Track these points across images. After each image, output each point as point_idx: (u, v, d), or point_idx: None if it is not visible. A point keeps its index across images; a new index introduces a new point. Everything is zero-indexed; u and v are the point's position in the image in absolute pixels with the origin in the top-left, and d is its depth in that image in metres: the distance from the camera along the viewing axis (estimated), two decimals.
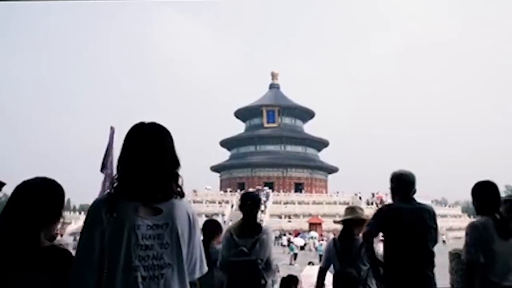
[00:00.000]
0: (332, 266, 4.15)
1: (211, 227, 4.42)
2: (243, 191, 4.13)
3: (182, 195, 1.84)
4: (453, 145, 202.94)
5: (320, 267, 4.45)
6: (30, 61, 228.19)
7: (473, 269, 2.86)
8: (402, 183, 3.41)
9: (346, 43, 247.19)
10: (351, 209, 4.25)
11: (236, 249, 3.55)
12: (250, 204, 3.75)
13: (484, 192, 3.07)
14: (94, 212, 1.72)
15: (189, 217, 1.82)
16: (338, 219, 4.34)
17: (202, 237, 4.64)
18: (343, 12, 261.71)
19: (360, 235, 3.71)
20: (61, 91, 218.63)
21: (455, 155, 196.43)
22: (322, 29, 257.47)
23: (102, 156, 7.55)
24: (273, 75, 76.02)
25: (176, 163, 1.85)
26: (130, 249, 1.66)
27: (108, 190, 1.81)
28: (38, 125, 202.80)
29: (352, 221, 4.01)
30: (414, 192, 3.39)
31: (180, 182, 1.85)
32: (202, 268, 1.88)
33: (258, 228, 3.64)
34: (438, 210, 55.42)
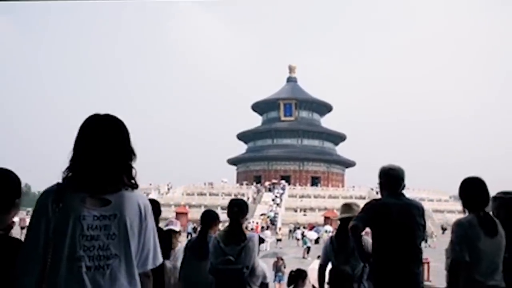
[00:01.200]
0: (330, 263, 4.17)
1: (208, 218, 4.51)
2: (233, 198, 4.29)
3: (134, 186, 1.83)
4: (476, 140, 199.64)
5: (320, 264, 4.46)
6: (46, 58, 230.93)
7: (458, 267, 2.78)
8: (391, 178, 3.35)
9: (364, 36, 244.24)
10: (347, 207, 4.22)
11: (223, 257, 3.71)
12: (236, 211, 3.86)
13: (471, 189, 2.98)
14: (40, 202, 1.73)
15: (140, 208, 1.81)
16: (339, 216, 4.34)
17: (200, 227, 4.74)
18: (360, 4, 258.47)
19: None
20: (78, 88, 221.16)
21: (479, 150, 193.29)
22: (340, 22, 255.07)
23: None
24: (291, 69, 75.64)
25: (128, 155, 1.84)
26: (75, 239, 1.67)
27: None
28: (52, 123, 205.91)
29: (349, 219, 3.98)
30: (403, 187, 3.35)
31: (133, 174, 1.85)
32: (155, 259, 1.88)
33: (243, 236, 3.77)
34: (456, 206, 54.62)
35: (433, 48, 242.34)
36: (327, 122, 74.61)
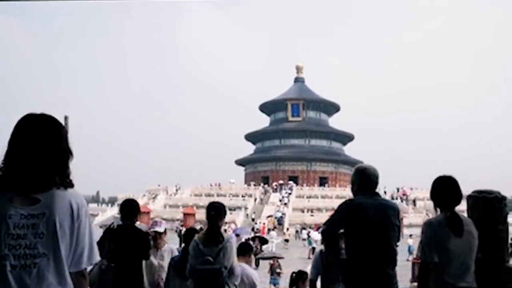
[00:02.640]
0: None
1: (192, 236, 4.52)
2: (211, 202, 4.40)
3: (67, 186, 1.82)
4: (486, 140, 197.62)
5: (310, 279, 4.42)
6: (53, 58, 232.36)
7: (427, 269, 2.71)
8: (367, 177, 3.28)
9: (372, 35, 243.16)
10: None
11: (202, 257, 3.81)
12: (214, 214, 3.96)
13: (442, 188, 2.89)
14: None
15: (72, 207, 1.79)
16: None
17: (183, 246, 4.79)
18: (368, 4, 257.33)
19: None
20: (85, 89, 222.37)
21: (489, 151, 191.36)
22: (347, 22, 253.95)
23: None
24: (298, 69, 75.49)
25: (62, 155, 1.84)
26: (0, 238, 1.67)
27: None
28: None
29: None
30: (376, 186, 3.29)
31: (68, 173, 1.84)
32: (91, 258, 1.87)
33: (221, 237, 3.87)
34: (463, 205, 53.99)
35: (442, 47, 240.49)
36: (335, 122, 74.44)
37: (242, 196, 51.78)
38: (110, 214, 52.52)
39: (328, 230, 3.24)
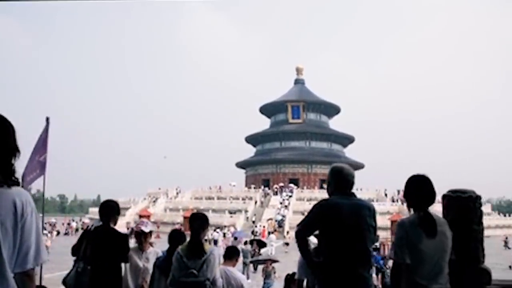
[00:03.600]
0: None
1: (176, 237, 4.62)
2: (193, 212, 4.47)
3: (12, 184, 1.79)
4: (488, 141, 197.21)
5: (297, 279, 4.38)
6: (53, 60, 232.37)
7: (399, 270, 2.65)
8: (343, 177, 3.23)
9: (372, 36, 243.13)
10: None
11: (186, 270, 3.86)
12: (196, 226, 4.03)
13: (415, 188, 2.84)
14: None
15: (15, 206, 1.76)
16: None
17: (168, 247, 4.76)
18: (367, 5, 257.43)
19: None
20: (86, 91, 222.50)
21: (490, 152, 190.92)
22: (347, 24, 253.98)
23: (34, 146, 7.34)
24: (298, 70, 75.49)
25: (6, 153, 1.81)
26: None
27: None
28: (66, 123, 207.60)
29: None
30: (352, 186, 3.24)
31: (12, 171, 1.81)
32: (37, 258, 1.83)
33: (204, 249, 3.94)
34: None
35: (443, 48, 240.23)
36: (335, 124, 74.35)
37: (243, 199, 51.74)
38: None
39: (302, 231, 3.18)
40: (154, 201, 54.43)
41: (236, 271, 5.34)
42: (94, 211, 63.91)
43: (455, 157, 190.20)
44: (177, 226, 31.06)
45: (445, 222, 2.81)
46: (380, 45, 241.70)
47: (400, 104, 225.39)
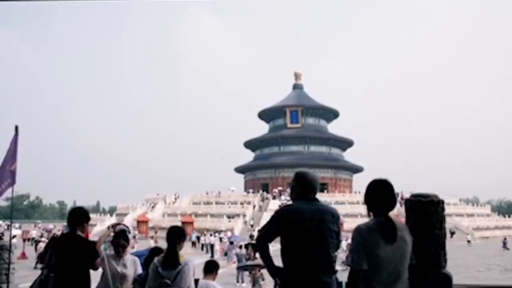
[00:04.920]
0: None
1: (157, 255, 4.68)
2: (171, 226, 4.58)
3: None
4: (488, 143, 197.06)
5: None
6: (55, 60, 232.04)
7: (357, 276, 2.58)
8: (307, 183, 3.19)
9: (370, 40, 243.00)
10: None
11: (160, 280, 4.01)
12: (173, 238, 4.18)
13: (375, 192, 2.78)
14: None
15: None
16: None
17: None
18: (365, 9, 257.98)
19: None
20: (84, 100, 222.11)
21: (491, 153, 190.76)
22: (345, 29, 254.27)
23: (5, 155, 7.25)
24: (296, 76, 75.68)
25: None
26: None
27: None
28: (64, 130, 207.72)
29: None
30: (316, 192, 3.21)
31: None
32: None
33: (179, 260, 4.08)
34: (465, 209, 53.90)
35: (440, 50, 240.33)
36: (334, 128, 74.47)
37: (241, 204, 51.66)
38: (109, 224, 52.44)
39: (263, 236, 3.14)
40: (153, 207, 54.32)
41: (216, 284, 5.40)
42: (93, 218, 63.87)
43: (455, 159, 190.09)
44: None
45: (406, 227, 2.76)
46: (378, 49, 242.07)
47: (399, 107, 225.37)
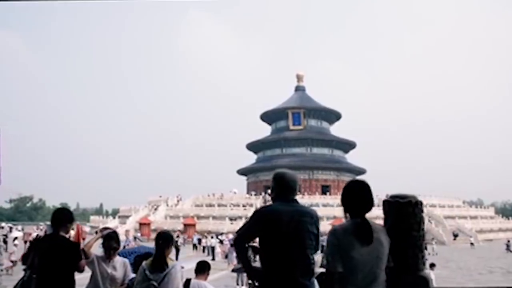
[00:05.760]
0: None
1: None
2: (160, 231, 4.70)
3: None
4: (493, 145, 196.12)
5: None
6: (56, 62, 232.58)
7: (331, 279, 2.56)
8: (285, 183, 3.16)
9: (372, 42, 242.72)
10: None
11: (147, 282, 4.18)
12: (161, 243, 4.38)
13: (351, 193, 2.75)
14: None
15: None
16: None
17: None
18: (368, 10, 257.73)
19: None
20: (86, 104, 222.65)
21: (495, 155, 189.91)
22: (346, 30, 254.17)
23: None
24: (298, 77, 75.64)
25: None
26: None
27: None
28: (67, 132, 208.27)
29: None
30: (294, 192, 3.17)
31: None
32: None
33: (167, 264, 4.27)
34: (468, 212, 53.65)
35: (443, 51, 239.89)
36: (336, 130, 74.29)
37: (243, 206, 51.58)
38: (112, 226, 52.62)
39: (240, 238, 3.11)
40: (155, 209, 54.36)
41: (208, 284, 5.45)
42: (96, 220, 63.98)
43: (459, 161, 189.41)
44: (177, 233, 31.23)
45: (382, 229, 2.72)
46: (380, 50, 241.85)
47: (401, 109, 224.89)
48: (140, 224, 47.49)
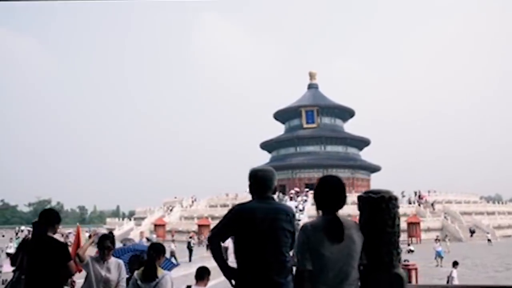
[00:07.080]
0: None
1: (135, 263, 5.40)
2: (152, 243, 4.85)
3: None
4: (507, 140, 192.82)
5: None
6: (61, 60, 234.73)
7: (301, 277, 2.49)
8: (259, 180, 3.11)
9: (385, 38, 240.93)
10: None
11: None
12: (152, 254, 4.63)
13: (323, 189, 2.69)
14: None
15: None
16: None
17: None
18: (380, 7, 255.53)
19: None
20: (97, 107, 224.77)
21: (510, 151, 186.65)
22: (359, 26, 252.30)
23: None
24: (311, 75, 75.28)
25: None
26: None
27: None
28: (83, 136, 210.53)
29: None
30: (274, 191, 3.11)
31: None
32: None
33: (157, 274, 4.49)
34: (485, 208, 52.68)
35: (456, 47, 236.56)
36: (350, 127, 73.80)
37: None
38: (128, 227, 53.07)
39: (215, 236, 3.07)
40: (171, 210, 54.67)
41: None
42: (112, 222, 64.58)
43: (477, 157, 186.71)
44: (191, 234, 31.35)
45: (354, 226, 2.65)
46: (393, 47, 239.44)
47: (415, 105, 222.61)
48: (155, 225, 47.78)
